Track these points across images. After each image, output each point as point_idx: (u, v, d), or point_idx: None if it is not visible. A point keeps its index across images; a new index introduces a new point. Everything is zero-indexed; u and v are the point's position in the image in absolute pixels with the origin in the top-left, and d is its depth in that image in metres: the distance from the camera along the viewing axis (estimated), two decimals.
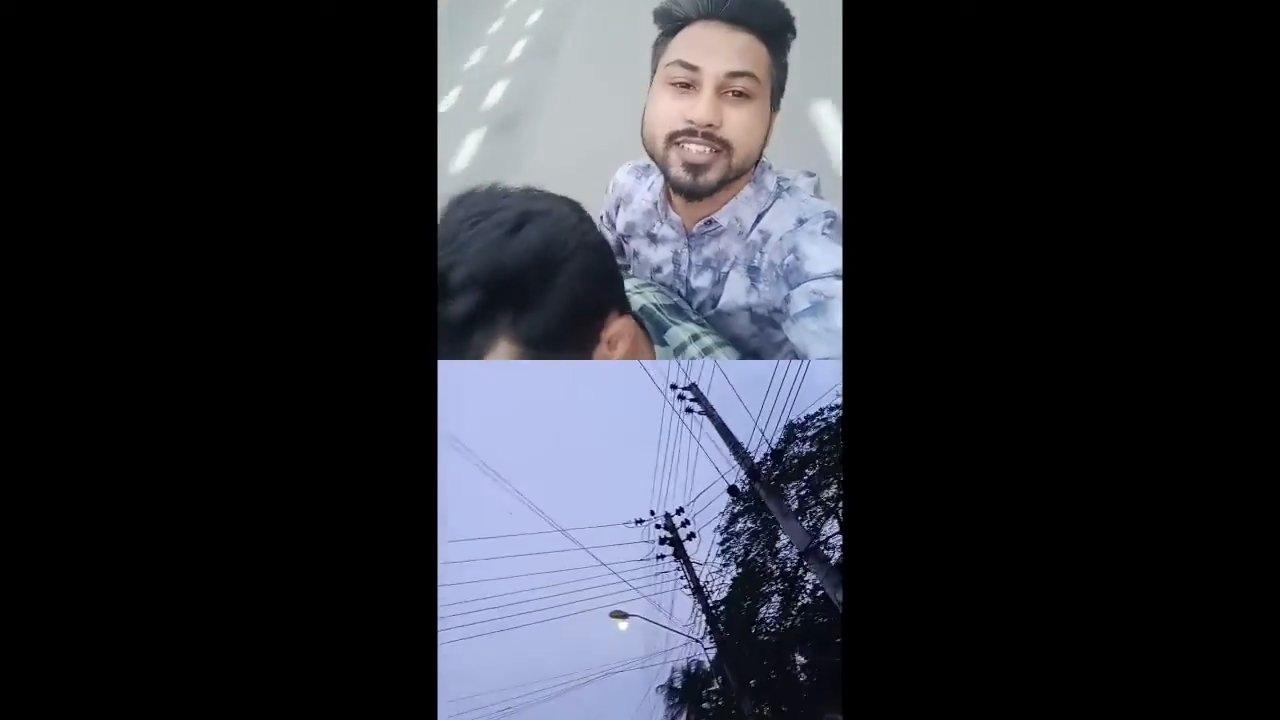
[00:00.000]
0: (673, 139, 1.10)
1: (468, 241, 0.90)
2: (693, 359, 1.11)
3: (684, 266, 1.26)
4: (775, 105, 1.16)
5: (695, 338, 1.13)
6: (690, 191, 1.14)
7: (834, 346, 1.06)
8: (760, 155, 1.17)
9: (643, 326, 1.08)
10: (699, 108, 1.07)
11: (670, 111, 1.09)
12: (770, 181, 1.21)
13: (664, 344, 1.11)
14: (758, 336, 1.21)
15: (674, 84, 1.09)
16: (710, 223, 1.20)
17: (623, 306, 0.96)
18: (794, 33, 1.14)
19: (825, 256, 1.10)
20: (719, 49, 1.06)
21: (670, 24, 1.13)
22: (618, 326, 0.92)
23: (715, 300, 1.23)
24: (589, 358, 0.92)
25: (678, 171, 1.12)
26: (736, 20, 1.07)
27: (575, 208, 0.94)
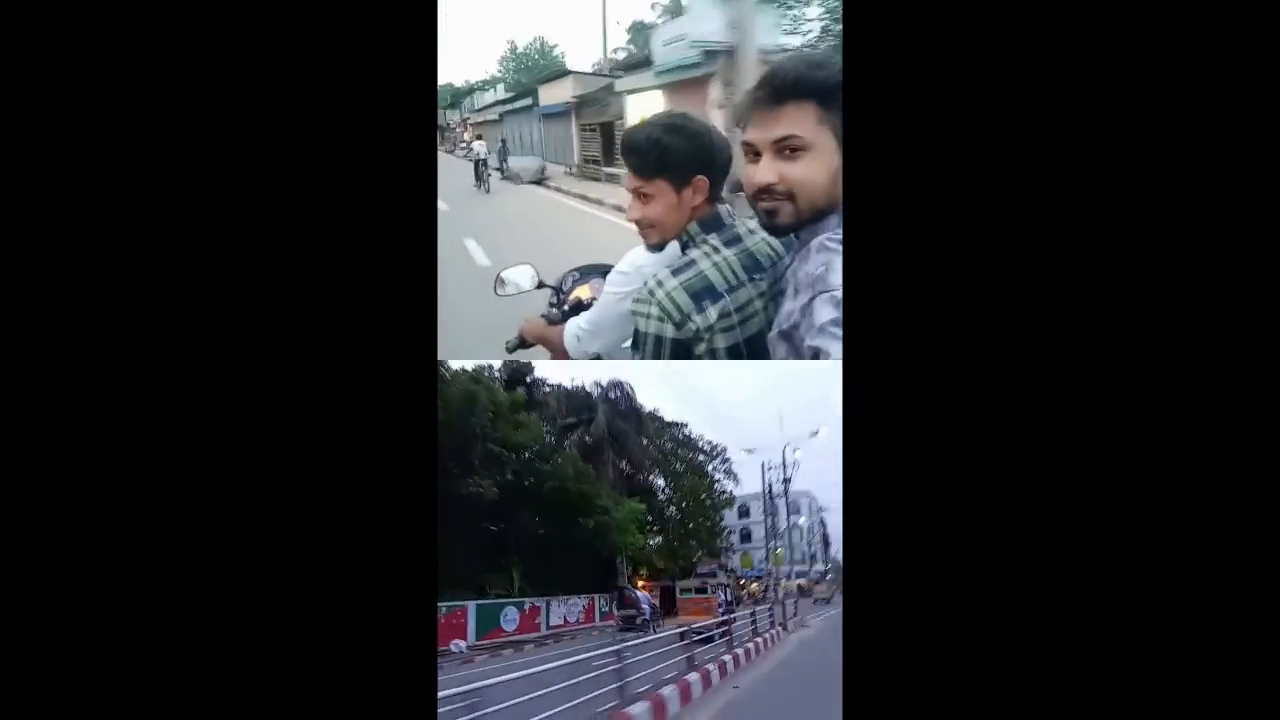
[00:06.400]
0: (754, 200, 1.39)
1: None
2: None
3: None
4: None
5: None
6: (772, 233, 1.44)
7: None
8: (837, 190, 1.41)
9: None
10: (757, 174, 1.35)
11: (747, 181, 1.39)
12: None
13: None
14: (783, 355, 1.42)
15: (747, 157, 1.38)
16: (799, 239, 1.46)
17: None
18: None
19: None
20: (766, 123, 1.34)
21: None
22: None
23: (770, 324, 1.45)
24: None
25: (761, 220, 1.40)
26: (779, 97, 1.32)
27: None
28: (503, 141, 28.27)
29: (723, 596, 10.65)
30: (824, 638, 9.39)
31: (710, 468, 19.21)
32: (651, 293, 1.45)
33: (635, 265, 1.64)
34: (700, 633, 7.01)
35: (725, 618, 8.64)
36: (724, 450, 19.33)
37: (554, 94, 28.78)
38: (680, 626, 7.39)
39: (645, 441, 16.30)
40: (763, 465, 18.40)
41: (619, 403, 15.36)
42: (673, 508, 17.38)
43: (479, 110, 44.81)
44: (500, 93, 42.79)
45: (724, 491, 19.22)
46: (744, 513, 22.41)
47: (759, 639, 8.16)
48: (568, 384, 14.66)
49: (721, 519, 19.28)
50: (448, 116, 49.63)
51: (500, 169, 22.42)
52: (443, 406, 9.58)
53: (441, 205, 16.66)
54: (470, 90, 49.86)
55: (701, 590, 10.83)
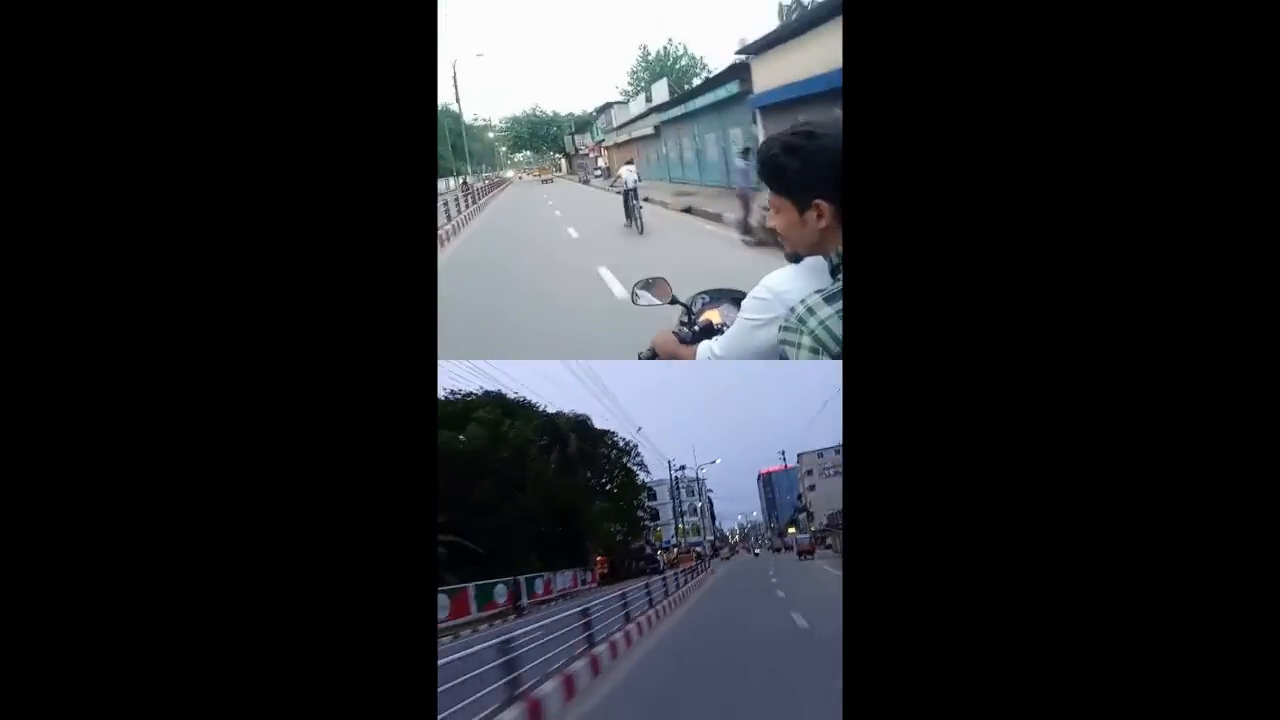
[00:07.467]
0: None
1: None
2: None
3: None
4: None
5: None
6: None
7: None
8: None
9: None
10: None
11: None
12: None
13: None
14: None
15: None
16: None
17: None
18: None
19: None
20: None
21: None
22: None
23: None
24: None
25: None
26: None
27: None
28: (745, 153, 13.74)
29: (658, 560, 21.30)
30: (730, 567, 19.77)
31: (625, 461, 25.05)
32: (802, 320, 1.35)
33: (775, 291, 1.47)
34: (690, 570, 16.14)
35: (697, 564, 19.64)
36: (635, 446, 25.26)
37: (797, 66, 14.55)
38: (679, 568, 17.41)
39: (599, 452, 21.82)
40: (669, 463, 26.51)
41: (580, 425, 20.70)
42: (608, 499, 23.07)
43: (618, 128, 34.75)
44: (659, 95, 28.45)
45: (641, 481, 25.41)
46: (652, 496, 28.34)
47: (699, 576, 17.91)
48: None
49: (640, 504, 25.19)
50: (576, 142, 44.05)
51: (743, 224, 12.24)
52: (507, 448, 14.74)
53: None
54: (604, 108, 38.39)
55: (686, 551, 25.29)
